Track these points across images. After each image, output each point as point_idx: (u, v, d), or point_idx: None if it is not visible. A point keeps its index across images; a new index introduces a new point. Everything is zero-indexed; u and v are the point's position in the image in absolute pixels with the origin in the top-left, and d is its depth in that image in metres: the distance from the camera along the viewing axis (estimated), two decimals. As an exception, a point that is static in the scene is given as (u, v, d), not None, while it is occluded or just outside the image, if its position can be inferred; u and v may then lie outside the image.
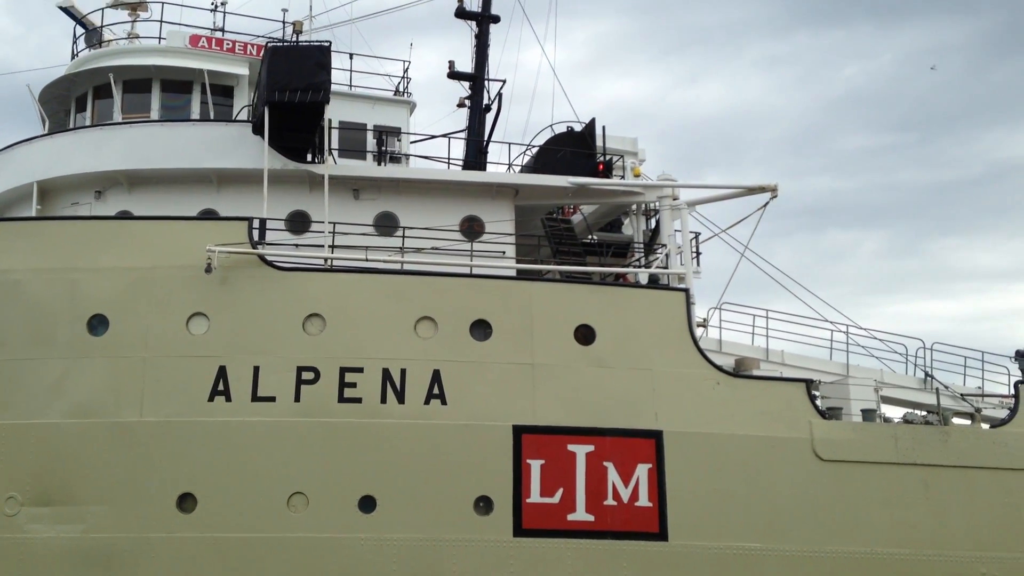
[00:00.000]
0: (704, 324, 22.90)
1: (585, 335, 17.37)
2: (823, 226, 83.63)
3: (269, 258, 17.06)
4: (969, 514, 17.56)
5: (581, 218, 22.68)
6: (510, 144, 22.32)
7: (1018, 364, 22.73)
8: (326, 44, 18.63)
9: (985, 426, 18.72)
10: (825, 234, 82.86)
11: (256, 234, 17.56)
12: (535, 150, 22.67)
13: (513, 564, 16.12)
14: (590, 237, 23.66)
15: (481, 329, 17.12)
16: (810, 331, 21.99)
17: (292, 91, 17.91)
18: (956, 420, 19.21)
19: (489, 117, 24.53)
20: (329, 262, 17.80)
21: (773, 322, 21.80)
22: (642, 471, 16.81)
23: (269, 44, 18.68)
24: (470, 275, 18.05)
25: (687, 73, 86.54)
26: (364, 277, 17.21)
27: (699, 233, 23.99)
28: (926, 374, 22.59)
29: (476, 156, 24.13)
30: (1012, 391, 18.94)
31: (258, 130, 18.72)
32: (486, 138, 24.34)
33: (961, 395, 20.84)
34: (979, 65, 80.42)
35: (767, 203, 19.23)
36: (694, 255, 24.62)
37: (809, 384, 18.04)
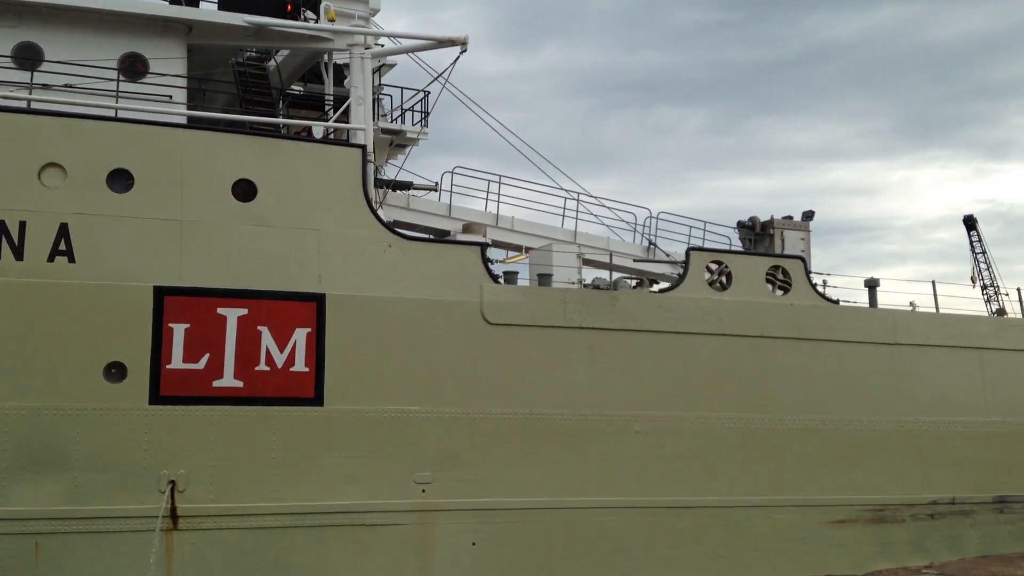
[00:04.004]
0: (436, 188, 22.33)
1: (245, 191, 16.02)
2: (652, 102, 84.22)
3: None
4: (629, 376, 18.16)
5: (275, 66, 20.82)
6: None
7: (739, 234, 23.86)
8: None
9: (655, 290, 19.27)
10: (654, 110, 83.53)
11: None
12: None
13: (148, 433, 15.07)
14: (298, 89, 21.99)
15: (121, 180, 15.35)
16: (547, 199, 22.08)
17: None
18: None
19: None
20: (-70, 96, 15.22)
21: (514, 190, 21.56)
22: (300, 335, 16.02)
23: None
24: (113, 119, 16.04)
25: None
26: None
27: (428, 92, 22.96)
28: (649, 242, 23.36)
29: None
30: (685, 257, 19.44)
31: None
32: None
33: (634, 259, 21.42)
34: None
35: (457, 58, 18.32)
36: (422, 115, 23.71)
37: (484, 247, 17.76)
